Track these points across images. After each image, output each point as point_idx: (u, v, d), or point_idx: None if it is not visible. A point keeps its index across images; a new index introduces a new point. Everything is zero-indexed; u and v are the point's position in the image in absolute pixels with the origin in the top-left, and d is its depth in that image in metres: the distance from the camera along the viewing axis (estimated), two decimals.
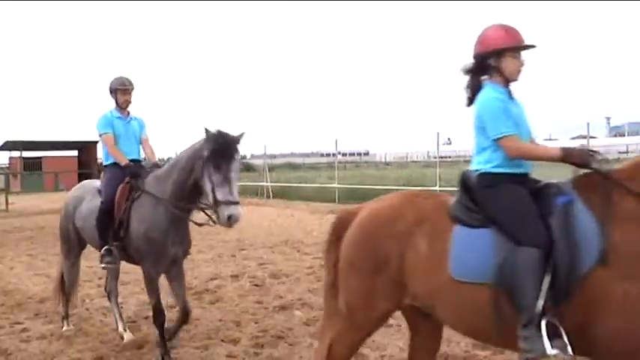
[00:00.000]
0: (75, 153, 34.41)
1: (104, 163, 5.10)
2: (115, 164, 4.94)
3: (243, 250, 9.78)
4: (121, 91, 5.04)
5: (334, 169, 20.56)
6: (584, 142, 13.89)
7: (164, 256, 4.47)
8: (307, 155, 72.73)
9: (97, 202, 4.82)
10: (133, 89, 5.09)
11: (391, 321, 5.34)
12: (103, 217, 4.68)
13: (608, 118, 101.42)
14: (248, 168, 36.85)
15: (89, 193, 5.13)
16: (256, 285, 7.04)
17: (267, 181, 22.63)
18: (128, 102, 5.10)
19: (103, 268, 4.85)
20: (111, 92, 5.07)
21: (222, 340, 4.96)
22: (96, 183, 5.33)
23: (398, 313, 5.53)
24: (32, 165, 33.41)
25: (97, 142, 33.32)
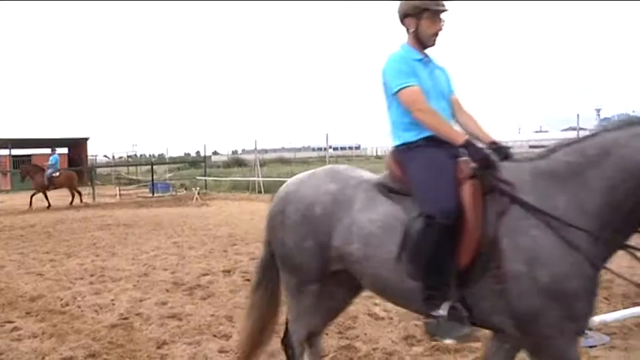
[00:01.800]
0: (65, 150, 34.21)
1: (409, 139, 2.94)
2: (432, 140, 2.85)
3: (234, 245, 9.77)
4: (432, 14, 2.86)
5: (325, 164, 20.33)
6: (574, 133, 13.96)
7: (584, 327, 2.55)
8: (298, 150, 72.93)
9: (389, 208, 2.82)
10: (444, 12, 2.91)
11: (382, 314, 5.39)
12: (441, 241, 2.58)
13: (598, 110, 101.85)
14: (239, 163, 36.95)
15: (360, 190, 2.97)
16: (248, 280, 7.00)
17: (258, 176, 22.58)
18: (437, 35, 2.95)
19: (447, 342, 2.77)
20: (407, 17, 2.92)
21: (214, 336, 4.96)
22: (358, 171, 3.20)
23: (389, 306, 5.60)
24: (22, 163, 33.14)
25: (87, 139, 33.25)
